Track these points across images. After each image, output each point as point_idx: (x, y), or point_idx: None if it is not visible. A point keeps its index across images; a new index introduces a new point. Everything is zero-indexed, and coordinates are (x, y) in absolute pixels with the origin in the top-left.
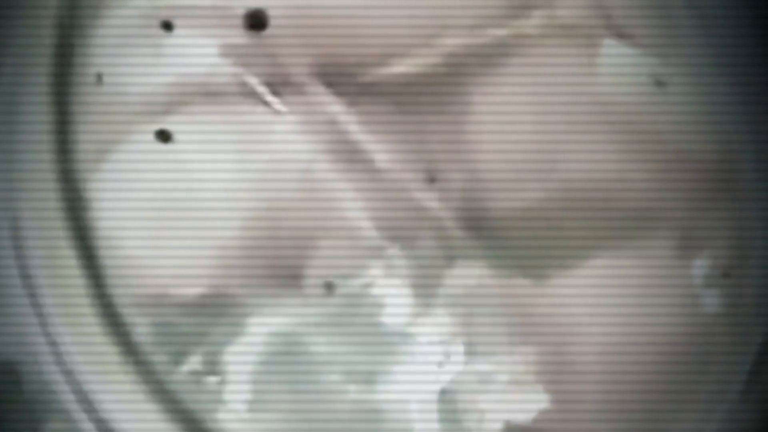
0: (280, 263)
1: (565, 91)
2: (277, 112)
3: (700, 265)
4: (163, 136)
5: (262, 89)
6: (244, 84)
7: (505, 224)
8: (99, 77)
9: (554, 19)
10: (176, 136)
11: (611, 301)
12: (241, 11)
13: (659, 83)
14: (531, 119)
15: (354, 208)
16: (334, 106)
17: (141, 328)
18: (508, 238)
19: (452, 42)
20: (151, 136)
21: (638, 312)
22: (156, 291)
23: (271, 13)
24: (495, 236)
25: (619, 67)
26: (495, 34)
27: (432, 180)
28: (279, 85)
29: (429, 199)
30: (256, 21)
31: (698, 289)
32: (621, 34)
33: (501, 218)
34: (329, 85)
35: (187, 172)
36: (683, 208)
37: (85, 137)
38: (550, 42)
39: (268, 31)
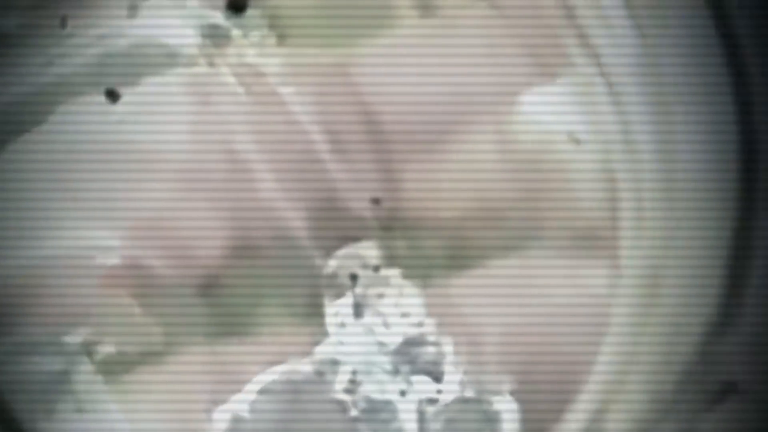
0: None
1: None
2: (240, 102)
3: None
4: (112, 96)
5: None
6: (213, 65)
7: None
8: (63, 20)
9: None
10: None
11: (513, 300)
12: None
13: (575, 141)
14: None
15: (293, 213)
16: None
17: None
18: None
19: None
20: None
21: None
22: None
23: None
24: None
25: (538, 116)
26: None
27: (376, 201)
28: (245, 75)
29: (368, 217)
30: (236, 4)
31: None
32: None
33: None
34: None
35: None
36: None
37: None
38: None
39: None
